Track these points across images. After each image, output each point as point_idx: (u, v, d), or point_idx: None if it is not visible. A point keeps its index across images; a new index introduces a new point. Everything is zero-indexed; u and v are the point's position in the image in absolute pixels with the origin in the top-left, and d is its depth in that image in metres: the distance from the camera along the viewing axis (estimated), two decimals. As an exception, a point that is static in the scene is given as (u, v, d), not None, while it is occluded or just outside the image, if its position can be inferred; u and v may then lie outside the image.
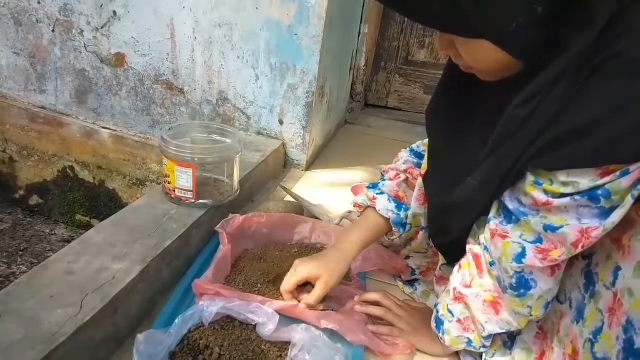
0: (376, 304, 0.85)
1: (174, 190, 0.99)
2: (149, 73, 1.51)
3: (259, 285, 0.89)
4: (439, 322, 0.76)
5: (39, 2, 1.52)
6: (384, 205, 0.90)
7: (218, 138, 1.07)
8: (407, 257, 0.98)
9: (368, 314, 0.84)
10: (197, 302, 0.80)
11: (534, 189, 0.56)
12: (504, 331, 0.69)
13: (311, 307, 0.81)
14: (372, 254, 0.99)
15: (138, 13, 1.43)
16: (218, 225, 0.96)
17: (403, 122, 1.98)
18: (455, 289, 0.72)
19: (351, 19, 1.71)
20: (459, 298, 0.72)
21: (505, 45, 0.52)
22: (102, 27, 1.49)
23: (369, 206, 0.92)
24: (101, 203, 1.64)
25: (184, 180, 0.97)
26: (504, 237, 0.62)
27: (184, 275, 0.90)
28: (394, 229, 0.91)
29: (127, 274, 0.78)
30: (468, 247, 0.72)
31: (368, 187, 0.94)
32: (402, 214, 0.90)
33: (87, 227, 1.69)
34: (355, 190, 1.29)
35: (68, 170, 1.69)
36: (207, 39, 1.40)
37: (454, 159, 0.70)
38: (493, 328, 0.69)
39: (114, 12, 1.45)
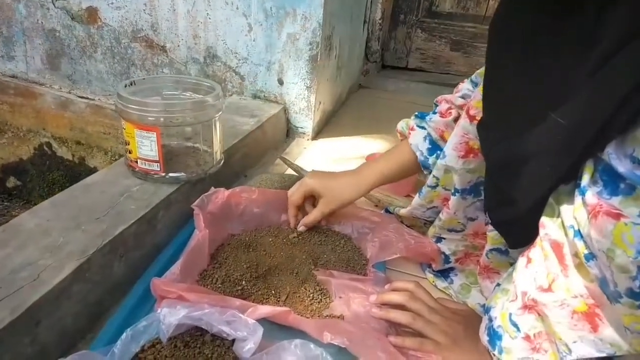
0: (401, 307, 0.62)
1: (137, 162, 0.77)
2: (125, 29, 1.28)
3: (244, 282, 0.67)
4: (495, 336, 0.53)
5: (-5, -50, 1.30)
6: (417, 142, 0.75)
7: (192, 95, 0.84)
8: (439, 240, 0.74)
9: (389, 320, 0.62)
10: (155, 310, 0.59)
11: None
12: (602, 355, 0.45)
13: (307, 225, 0.78)
14: (392, 237, 0.76)
15: (107, -45, 1.20)
16: (196, 202, 0.74)
17: (427, 84, 1.72)
18: (525, 293, 0.49)
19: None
20: (530, 307, 0.49)
21: None
22: (67, -25, 1.26)
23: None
24: (82, 183, 1.44)
25: (146, 147, 0.75)
26: (616, 216, 0.38)
27: (146, 271, 0.69)
28: (423, 171, 0.77)
29: (56, 271, 0.57)
30: (542, 231, 0.48)
31: (416, 115, 0.79)
32: (432, 161, 0.74)
33: (69, 211, 1.50)
34: (371, 160, 1.06)
35: (45, 147, 1.49)
36: (189, -18, 1.17)
37: (530, 91, 0.47)
38: (585, 350, 0.45)
39: (80, -44, 1.22)
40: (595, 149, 0.41)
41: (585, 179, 0.42)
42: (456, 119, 0.73)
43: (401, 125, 0.81)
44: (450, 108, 0.74)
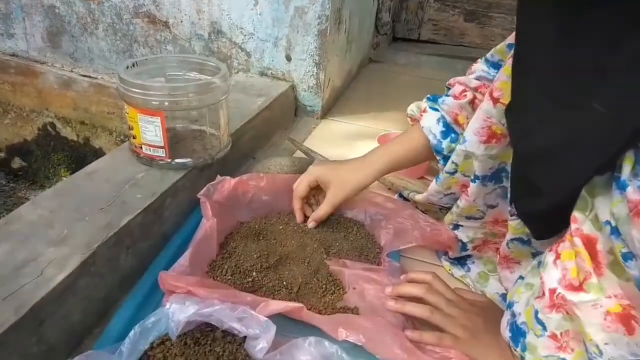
0: (417, 299, 0.60)
1: (141, 147, 0.74)
2: (126, 4, 1.23)
3: (254, 273, 0.65)
4: (517, 332, 0.51)
5: None
6: (430, 125, 0.72)
7: (198, 76, 0.81)
8: (456, 227, 0.72)
9: (405, 313, 0.60)
10: (163, 304, 0.57)
11: None
12: (636, 359, 0.43)
13: (317, 221, 0.74)
14: (407, 224, 0.73)
15: None
16: (201, 192, 0.72)
17: (439, 57, 1.66)
18: (553, 291, 0.46)
19: None
20: (559, 305, 0.46)
21: None
22: (63, -52, 1.21)
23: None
24: (88, 164, 1.41)
25: (150, 132, 0.72)
26: None
27: (153, 263, 0.67)
28: (436, 156, 0.73)
29: (61, 266, 0.55)
30: (573, 226, 0.45)
31: (428, 97, 0.75)
32: (446, 144, 0.70)
33: (76, 192, 1.48)
34: (383, 140, 1.02)
35: (49, 128, 1.47)
36: (190, -47, 1.11)
37: (564, 75, 0.43)
38: (617, 353, 0.42)
39: None
40: (636, 139, 0.38)
41: (626, 172, 0.39)
42: (471, 102, 0.69)
43: (411, 108, 0.77)
44: (464, 90, 0.70)
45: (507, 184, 0.64)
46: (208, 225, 0.67)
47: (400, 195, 0.85)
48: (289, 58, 1.17)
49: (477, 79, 0.69)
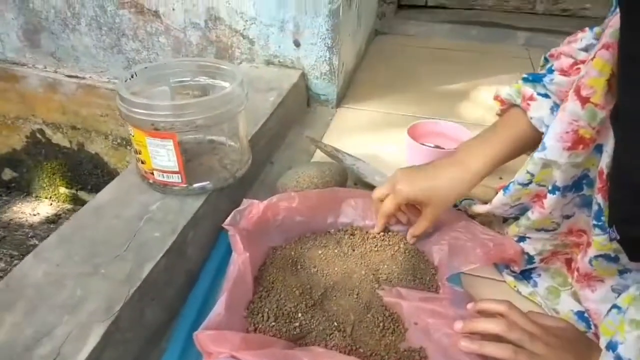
0: (495, 337, 0.52)
1: (152, 173, 0.64)
2: (108, -6, 1.09)
3: (299, 314, 0.57)
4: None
5: None
6: (541, 115, 0.58)
7: (208, 82, 0.70)
8: (522, 239, 0.63)
9: (483, 354, 0.52)
10: (204, 369, 0.48)
11: None
12: None
13: (417, 237, 0.67)
14: (464, 239, 0.65)
15: None
16: (227, 220, 0.62)
17: (451, 25, 1.53)
18: None
19: None
20: None
21: None
22: None
23: (515, 105, 0.62)
24: (85, 171, 1.31)
25: (162, 157, 0.62)
26: None
27: (181, 312, 0.58)
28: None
29: (81, 341, 0.46)
30: None
31: (527, 79, 0.60)
32: None
33: (74, 200, 1.38)
34: (414, 132, 0.92)
35: (38, 135, 1.35)
36: None
37: None
38: None
39: None
40: None
41: None
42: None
43: (507, 92, 0.63)
44: (575, 64, 0.57)
45: (587, 191, 0.55)
46: (241, 262, 0.58)
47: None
48: (297, 43, 1.05)
49: (585, 49, 0.56)
